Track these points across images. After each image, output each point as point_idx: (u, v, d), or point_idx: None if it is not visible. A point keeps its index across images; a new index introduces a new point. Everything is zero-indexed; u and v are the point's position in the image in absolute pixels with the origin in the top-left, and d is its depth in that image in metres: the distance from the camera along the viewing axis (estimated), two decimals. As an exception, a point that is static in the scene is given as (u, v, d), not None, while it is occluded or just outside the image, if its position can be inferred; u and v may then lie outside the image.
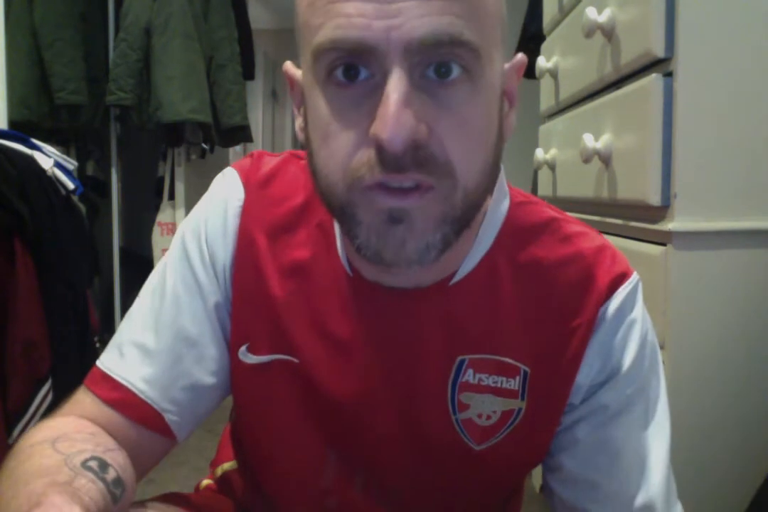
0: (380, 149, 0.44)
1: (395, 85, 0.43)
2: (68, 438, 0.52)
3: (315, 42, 0.46)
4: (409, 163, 0.45)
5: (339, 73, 0.46)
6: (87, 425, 0.56)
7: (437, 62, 0.45)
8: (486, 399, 0.58)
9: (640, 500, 0.58)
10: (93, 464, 0.48)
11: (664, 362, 0.87)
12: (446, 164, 0.46)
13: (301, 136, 0.54)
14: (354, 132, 0.46)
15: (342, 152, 0.47)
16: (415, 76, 0.45)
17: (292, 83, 0.56)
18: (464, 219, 0.49)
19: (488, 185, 0.51)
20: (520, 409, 0.59)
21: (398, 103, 0.43)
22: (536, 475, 1.50)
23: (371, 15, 0.43)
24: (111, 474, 0.48)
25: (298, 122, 0.55)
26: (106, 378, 0.59)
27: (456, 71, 0.45)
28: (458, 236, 0.50)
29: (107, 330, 2.55)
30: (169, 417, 0.59)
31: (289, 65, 0.56)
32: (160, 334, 0.60)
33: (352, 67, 0.45)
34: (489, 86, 0.48)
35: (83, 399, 0.59)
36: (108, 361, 0.60)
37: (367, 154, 0.46)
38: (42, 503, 0.41)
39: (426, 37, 0.43)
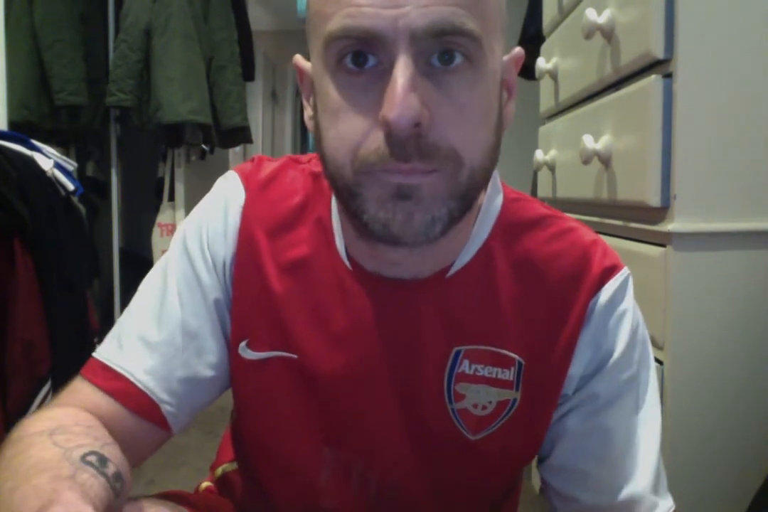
0: (388, 133, 0.47)
1: (402, 71, 0.46)
2: (66, 430, 0.52)
3: (326, 30, 0.48)
4: (413, 151, 0.47)
5: (348, 60, 0.48)
6: (84, 417, 0.56)
7: (441, 50, 0.48)
8: (481, 390, 0.60)
9: (629, 490, 0.59)
10: (92, 459, 0.48)
11: (664, 362, 0.88)
12: (449, 151, 0.48)
13: (310, 124, 0.56)
14: (363, 117, 0.48)
15: (351, 136, 0.49)
16: (420, 63, 0.47)
17: (301, 75, 0.58)
18: (468, 196, 0.51)
19: (490, 168, 0.53)
20: (514, 400, 0.60)
21: (405, 86, 0.45)
22: (536, 476, 1.50)
23: (380, 5, 0.46)
24: (111, 469, 0.48)
25: (308, 112, 0.57)
26: (105, 368, 0.60)
27: (458, 59, 0.48)
28: (462, 214, 0.52)
29: (107, 330, 2.54)
30: (165, 409, 0.60)
31: (298, 58, 0.59)
32: (161, 327, 0.61)
33: (361, 55, 0.48)
34: (490, 74, 0.51)
35: (81, 389, 0.60)
36: (106, 352, 0.61)
37: (376, 142, 0.48)
38: (56, 501, 0.41)
39: (430, 26, 0.46)
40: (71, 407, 0.58)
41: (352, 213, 0.52)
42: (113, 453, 0.51)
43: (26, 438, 0.51)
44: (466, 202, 0.51)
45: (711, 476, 0.89)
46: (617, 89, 1.03)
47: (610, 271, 0.60)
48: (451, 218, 0.50)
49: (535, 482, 1.50)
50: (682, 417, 0.87)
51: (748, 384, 0.88)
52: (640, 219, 0.96)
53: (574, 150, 1.14)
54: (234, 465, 0.77)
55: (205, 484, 0.80)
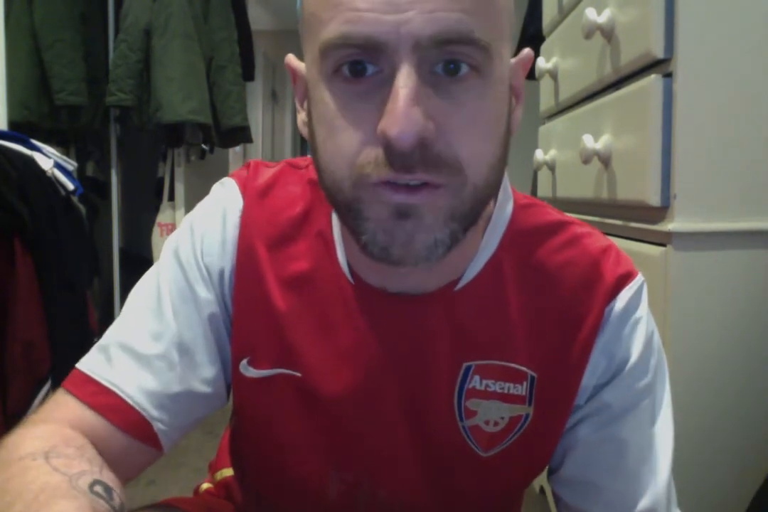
0: (388, 146, 0.44)
1: (404, 81, 0.43)
2: (60, 453, 0.48)
3: (323, 37, 0.45)
4: (417, 162, 0.44)
5: (346, 69, 0.45)
6: (73, 436, 0.53)
7: (446, 60, 0.45)
8: (493, 406, 0.58)
9: (642, 505, 0.57)
10: (99, 489, 0.45)
11: (664, 362, 0.88)
12: (454, 163, 0.46)
13: (303, 130, 0.54)
14: (361, 128, 0.45)
15: (349, 149, 0.46)
16: (424, 72, 0.44)
17: (294, 76, 0.55)
18: (472, 215, 0.49)
19: (496, 181, 0.50)
20: (527, 415, 0.58)
21: (407, 99, 0.43)
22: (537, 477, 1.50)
23: (381, 9, 0.43)
24: (116, 501, 0.46)
25: (301, 116, 0.54)
26: (91, 382, 0.56)
27: (464, 69, 0.45)
28: (465, 232, 0.49)
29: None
30: (158, 427, 0.56)
31: (291, 58, 0.56)
32: (153, 340, 0.58)
33: (359, 63, 0.45)
34: (498, 82, 0.48)
35: (65, 403, 0.56)
36: (92, 364, 0.57)
37: (374, 152, 0.45)
38: None
39: (436, 34, 0.43)
40: (55, 423, 0.54)
41: (350, 229, 0.50)
42: (112, 478, 0.48)
43: (18, 461, 0.47)
44: (469, 221, 0.49)
45: (711, 476, 0.89)
46: (617, 89, 1.03)
47: (625, 278, 0.58)
48: (453, 239, 0.48)
49: (536, 482, 1.50)
50: (682, 417, 0.87)
51: (748, 384, 0.88)
52: (640, 218, 0.96)
53: (574, 150, 1.14)
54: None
55: (205, 485, 0.80)
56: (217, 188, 0.63)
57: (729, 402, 0.88)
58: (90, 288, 1.77)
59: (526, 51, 0.55)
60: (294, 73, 0.55)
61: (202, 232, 0.60)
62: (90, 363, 0.58)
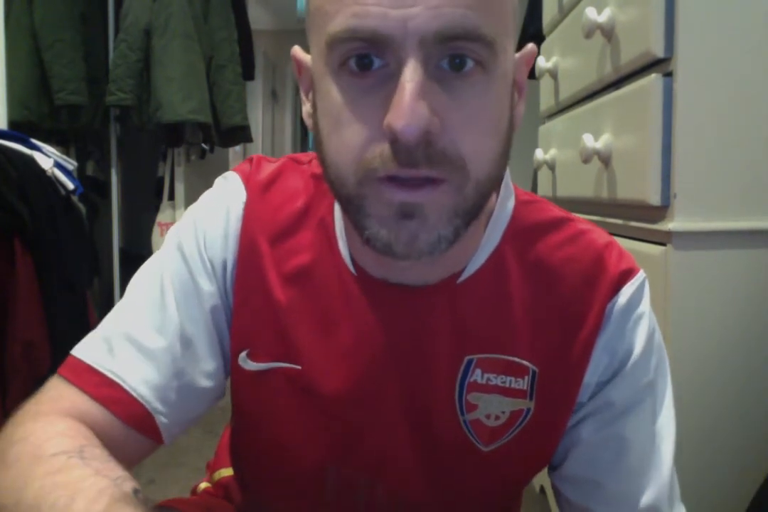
0: (394, 140, 0.44)
1: (410, 76, 0.43)
2: (94, 455, 0.48)
3: (330, 30, 0.46)
4: (422, 158, 0.45)
5: (353, 62, 0.46)
6: (89, 434, 0.52)
7: (451, 55, 0.45)
8: (494, 400, 0.58)
9: (645, 502, 0.57)
10: (141, 497, 0.45)
11: (664, 362, 0.87)
12: (458, 159, 0.46)
13: (309, 122, 0.54)
14: (367, 123, 0.46)
15: (354, 144, 0.46)
16: (430, 67, 0.45)
17: (300, 68, 0.55)
18: (474, 210, 0.49)
19: (498, 176, 0.51)
20: (528, 409, 0.58)
21: (413, 93, 0.43)
22: (537, 476, 1.50)
23: (387, 4, 0.43)
24: (151, 506, 0.45)
25: (306, 108, 0.55)
26: (94, 372, 0.56)
27: (470, 64, 0.46)
28: (468, 227, 0.50)
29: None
30: (160, 420, 0.56)
31: (297, 50, 0.56)
32: (157, 333, 0.57)
33: (366, 57, 0.45)
34: (501, 78, 0.48)
35: (66, 394, 0.55)
36: (94, 354, 0.57)
37: (380, 148, 0.46)
38: None
39: (442, 30, 0.43)
40: (63, 416, 0.53)
41: (353, 224, 0.50)
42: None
43: (53, 458, 0.47)
44: (471, 216, 0.49)
45: (711, 476, 0.89)
46: (617, 88, 1.03)
47: (627, 274, 0.58)
48: (456, 235, 0.48)
49: (536, 481, 1.50)
50: (682, 417, 0.86)
51: (748, 384, 0.88)
52: (641, 218, 0.96)
53: (574, 149, 1.14)
54: (232, 471, 0.76)
55: (204, 485, 0.80)
56: (220, 182, 0.63)
57: (729, 402, 0.88)
58: (90, 288, 1.77)
59: (530, 46, 0.55)
60: (299, 64, 0.55)
61: (205, 225, 0.60)
62: (91, 353, 0.57)
